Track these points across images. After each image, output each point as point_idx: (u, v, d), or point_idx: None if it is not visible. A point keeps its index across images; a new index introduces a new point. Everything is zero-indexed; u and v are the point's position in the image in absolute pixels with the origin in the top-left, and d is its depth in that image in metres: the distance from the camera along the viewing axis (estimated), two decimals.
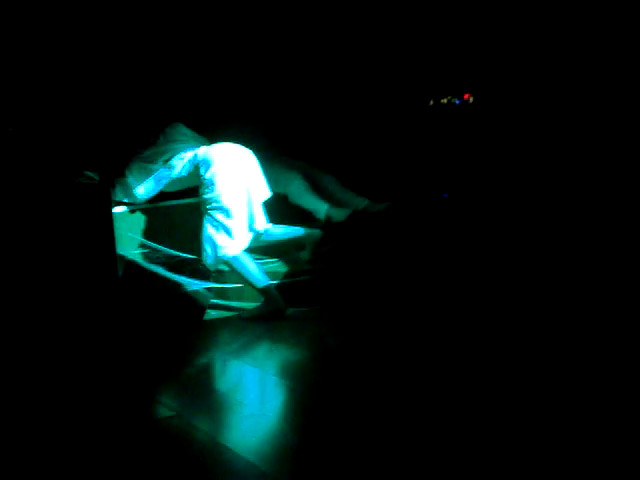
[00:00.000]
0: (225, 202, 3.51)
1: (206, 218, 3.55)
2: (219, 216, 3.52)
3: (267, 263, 3.81)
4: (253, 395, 2.59)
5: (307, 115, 4.86)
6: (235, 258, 3.48)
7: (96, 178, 3.71)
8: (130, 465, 1.98)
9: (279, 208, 4.01)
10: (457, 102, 4.69)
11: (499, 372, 2.54)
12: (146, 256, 3.64)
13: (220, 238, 3.48)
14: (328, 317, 3.39)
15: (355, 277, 3.75)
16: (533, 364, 2.59)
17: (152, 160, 3.81)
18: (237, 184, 3.58)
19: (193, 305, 3.30)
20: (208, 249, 3.51)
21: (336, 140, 4.78)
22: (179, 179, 3.79)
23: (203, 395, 2.57)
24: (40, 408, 2.31)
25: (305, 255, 3.84)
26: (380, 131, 4.76)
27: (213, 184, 3.54)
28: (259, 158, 3.85)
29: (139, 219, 3.86)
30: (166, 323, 3.19)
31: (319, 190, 4.21)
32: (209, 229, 3.51)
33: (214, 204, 3.52)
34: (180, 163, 3.75)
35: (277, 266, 3.86)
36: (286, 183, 4.20)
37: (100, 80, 4.40)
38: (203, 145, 3.82)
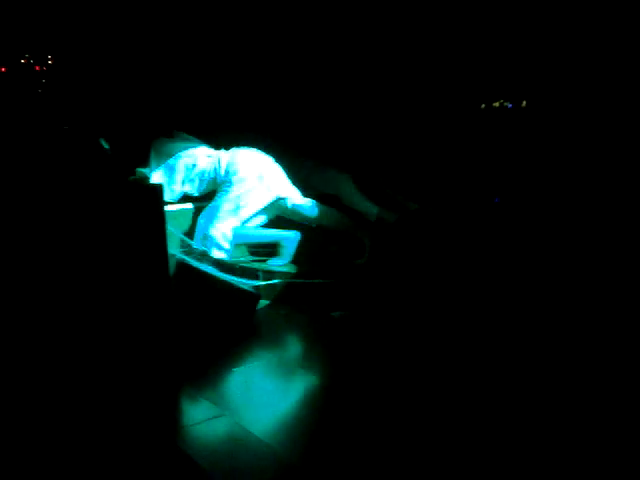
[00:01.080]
0: (242, 197, 3.77)
1: (217, 208, 3.79)
2: (230, 206, 3.77)
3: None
4: (300, 398, 2.57)
5: (356, 119, 4.86)
6: (235, 232, 3.77)
7: (149, 176, 3.77)
8: (178, 464, 1.99)
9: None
10: (509, 106, 4.62)
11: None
12: (195, 255, 3.65)
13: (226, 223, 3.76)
14: (375, 320, 3.34)
15: (403, 279, 3.70)
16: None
17: (172, 152, 3.96)
18: (260, 184, 3.82)
19: (242, 304, 3.30)
20: (214, 236, 3.76)
21: (385, 144, 4.76)
22: (201, 181, 3.92)
23: (251, 396, 2.57)
24: (88, 405, 2.33)
25: (361, 260, 3.82)
26: (431, 135, 4.73)
27: (234, 183, 3.78)
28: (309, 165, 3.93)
29: (188, 218, 3.88)
30: (215, 322, 3.19)
31: (369, 193, 4.19)
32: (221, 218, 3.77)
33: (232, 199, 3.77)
34: (204, 161, 3.90)
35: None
36: (338, 185, 4.20)
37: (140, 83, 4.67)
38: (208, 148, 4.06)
